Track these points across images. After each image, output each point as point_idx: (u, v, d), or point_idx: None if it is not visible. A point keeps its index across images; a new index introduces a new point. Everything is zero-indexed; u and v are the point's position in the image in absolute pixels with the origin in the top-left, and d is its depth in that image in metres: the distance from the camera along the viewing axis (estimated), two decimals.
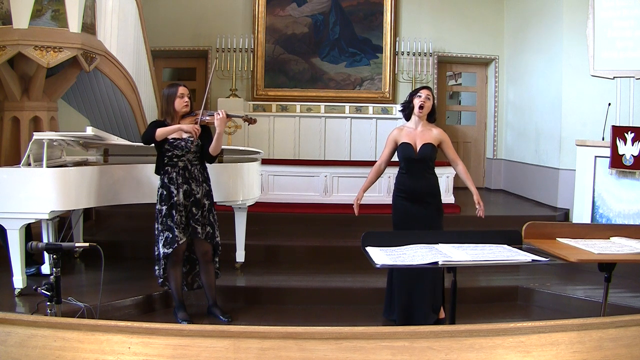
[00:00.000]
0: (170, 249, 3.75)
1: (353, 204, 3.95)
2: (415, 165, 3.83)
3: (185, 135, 3.79)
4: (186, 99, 3.81)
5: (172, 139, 3.77)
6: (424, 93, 3.84)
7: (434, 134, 3.86)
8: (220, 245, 4.01)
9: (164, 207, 3.79)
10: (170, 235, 3.74)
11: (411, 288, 3.84)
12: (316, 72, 8.74)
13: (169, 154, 3.79)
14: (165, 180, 3.80)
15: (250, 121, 4.00)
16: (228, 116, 3.83)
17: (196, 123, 3.78)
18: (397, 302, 3.88)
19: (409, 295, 3.84)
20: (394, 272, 3.89)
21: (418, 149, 3.81)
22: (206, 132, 3.86)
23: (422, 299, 3.83)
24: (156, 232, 3.83)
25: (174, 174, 3.80)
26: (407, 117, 3.94)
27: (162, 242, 3.78)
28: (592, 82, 5.98)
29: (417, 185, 3.82)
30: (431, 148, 3.82)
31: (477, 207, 3.87)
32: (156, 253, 3.85)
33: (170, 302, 4.24)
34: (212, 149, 3.82)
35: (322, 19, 8.72)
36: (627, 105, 5.54)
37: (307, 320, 4.05)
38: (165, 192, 3.80)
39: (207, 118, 3.81)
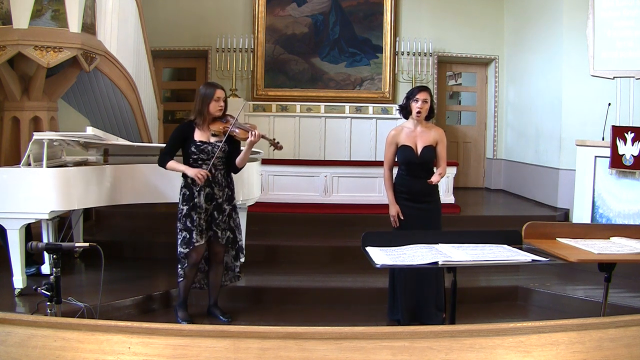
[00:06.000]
0: (187, 249, 3.78)
1: (393, 218, 3.85)
2: (416, 167, 3.83)
3: (212, 140, 3.81)
4: (222, 102, 3.82)
5: (200, 141, 3.79)
6: (420, 97, 3.77)
7: (432, 135, 3.85)
8: (245, 249, 4.03)
9: (185, 208, 3.81)
10: (188, 236, 3.77)
11: (415, 288, 3.83)
12: (316, 72, 8.74)
13: (195, 156, 3.80)
14: (189, 181, 3.81)
15: (276, 146, 3.99)
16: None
17: (225, 131, 3.78)
18: (401, 303, 3.86)
19: (413, 296, 3.84)
20: (397, 273, 3.88)
21: (419, 152, 3.81)
22: (235, 142, 3.89)
23: (427, 299, 3.83)
24: (177, 231, 3.86)
25: None
26: (406, 117, 3.92)
27: (180, 241, 3.82)
28: (592, 82, 5.97)
29: (418, 185, 3.83)
30: (432, 150, 3.82)
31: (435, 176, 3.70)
32: (178, 252, 3.86)
33: (170, 302, 4.25)
34: (239, 161, 3.87)
35: (322, 19, 8.72)
36: (627, 105, 5.53)
37: (307, 320, 4.05)
38: (188, 193, 3.81)
39: (237, 131, 3.81)
